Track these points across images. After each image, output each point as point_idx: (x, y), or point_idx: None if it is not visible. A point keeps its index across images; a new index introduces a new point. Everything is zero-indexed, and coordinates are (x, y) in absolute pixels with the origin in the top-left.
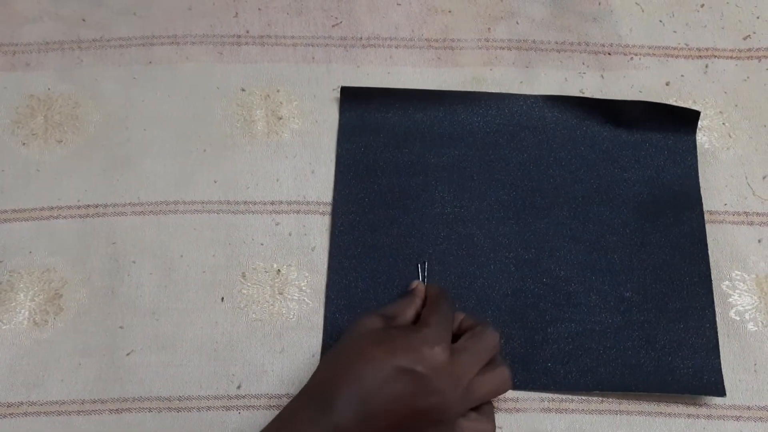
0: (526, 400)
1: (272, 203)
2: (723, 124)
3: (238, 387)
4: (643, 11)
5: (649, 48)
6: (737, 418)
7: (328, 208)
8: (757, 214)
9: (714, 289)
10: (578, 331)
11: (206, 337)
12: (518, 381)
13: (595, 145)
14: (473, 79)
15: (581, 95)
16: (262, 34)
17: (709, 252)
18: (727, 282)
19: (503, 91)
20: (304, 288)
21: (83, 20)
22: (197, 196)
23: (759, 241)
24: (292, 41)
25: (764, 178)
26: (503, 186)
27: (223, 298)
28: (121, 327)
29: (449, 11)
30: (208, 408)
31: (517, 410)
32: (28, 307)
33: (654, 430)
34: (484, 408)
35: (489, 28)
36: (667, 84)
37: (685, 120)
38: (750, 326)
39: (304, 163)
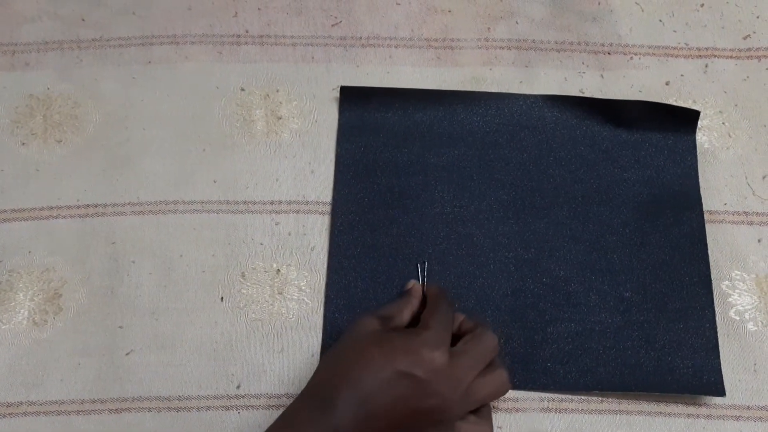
0: (526, 399)
1: (272, 203)
2: (723, 123)
3: (238, 387)
4: (642, 11)
5: (649, 48)
6: (737, 418)
7: (328, 208)
8: (757, 213)
9: (714, 288)
10: (578, 331)
11: (206, 337)
12: (518, 381)
13: (595, 144)
14: (473, 79)
15: (581, 95)
16: (261, 34)
17: (709, 252)
18: (726, 282)
19: (503, 90)
20: (303, 288)
21: (82, 20)
22: (197, 196)
23: (759, 240)
24: (292, 41)
25: (764, 177)
26: (503, 186)
27: (222, 298)
28: (120, 327)
29: (449, 11)
30: (208, 408)
31: (517, 410)
32: (27, 307)
33: (654, 430)
34: (482, 410)
35: (489, 28)
36: (667, 84)
37: (685, 120)
38: (750, 326)
39: (304, 163)
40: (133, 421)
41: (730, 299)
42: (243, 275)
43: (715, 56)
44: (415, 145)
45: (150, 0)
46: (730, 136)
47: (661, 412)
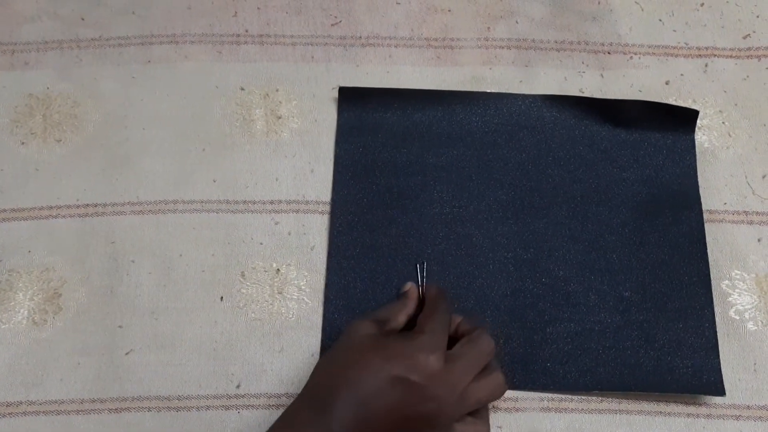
0: (526, 399)
1: (271, 202)
2: (723, 123)
3: (238, 386)
4: (642, 10)
5: (649, 47)
6: (737, 418)
7: (328, 208)
8: (757, 213)
9: (714, 288)
10: (577, 331)
11: (205, 337)
12: (518, 381)
13: (594, 144)
14: (473, 79)
15: (581, 94)
16: (261, 33)
17: (709, 251)
18: (726, 281)
19: (503, 90)
20: (303, 287)
21: (82, 19)
22: (196, 196)
23: (759, 240)
24: (291, 40)
25: (764, 177)
26: (502, 186)
27: (222, 298)
28: (120, 326)
29: (449, 10)
30: (208, 407)
31: (517, 410)
32: (27, 307)
33: (653, 430)
34: (479, 411)
35: (488, 28)
36: (667, 83)
37: (684, 119)
38: (750, 325)
39: (304, 163)
40: (133, 420)
41: (730, 299)
42: (243, 275)
43: (714, 56)
44: (414, 145)
45: None
46: (730, 135)
47: (661, 412)
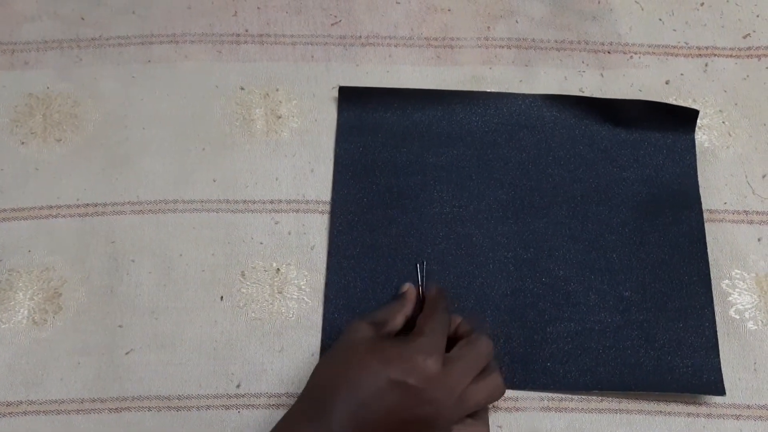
0: (526, 399)
1: (271, 202)
2: (723, 122)
3: (238, 386)
4: (642, 10)
5: (649, 47)
6: (737, 417)
7: (328, 207)
8: (757, 212)
9: (714, 287)
10: (577, 331)
11: (205, 336)
12: (518, 380)
13: (594, 144)
14: (473, 78)
15: (581, 94)
16: (261, 33)
17: (709, 251)
18: (726, 281)
19: (503, 89)
20: (303, 287)
21: (82, 19)
22: (196, 195)
23: (759, 239)
24: (291, 40)
25: (764, 176)
26: (502, 185)
27: (222, 297)
28: (120, 326)
29: (449, 10)
30: (208, 407)
31: (517, 409)
32: (27, 306)
33: (653, 429)
34: (478, 412)
35: (488, 27)
36: (667, 83)
37: (684, 119)
38: (750, 325)
39: (304, 162)
40: (133, 420)
41: (730, 298)
42: (243, 274)
43: (715, 55)
44: (414, 145)
45: None
46: (730, 135)
47: (661, 411)
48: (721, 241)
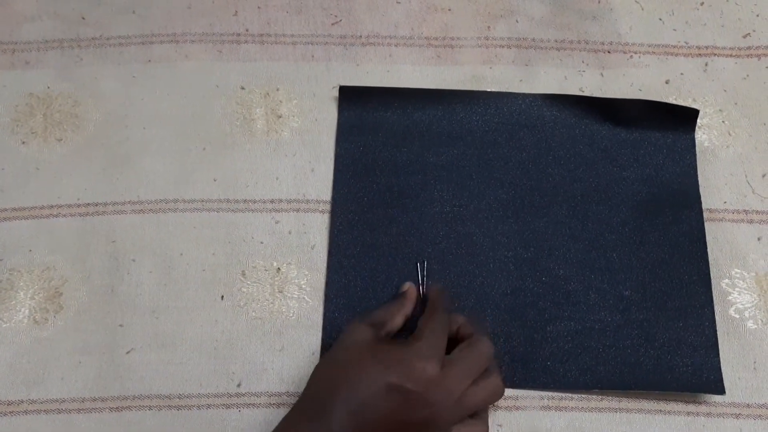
0: (526, 398)
1: (272, 201)
2: (723, 122)
3: (238, 385)
4: (642, 9)
5: (649, 46)
6: (737, 416)
7: (328, 207)
8: (757, 212)
9: (714, 287)
10: (578, 330)
11: (206, 336)
12: (518, 379)
13: (594, 143)
14: (473, 78)
15: (581, 93)
16: (261, 33)
17: (709, 250)
18: (726, 280)
19: (503, 89)
20: (303, 286)
21: (82, 18)
22: (197, 195)
23: (758, 239)
24: (292, 39)
25: (764, 176)
26: (502, 185)
27: (222, 297)
28: (121, 325)
29: (449, 9)
30: (208, 406)
31: (517, 408)
32: (28, 306)
33: (653, 428)
34: (478, 412)
35: (489, 27)
36: (667, 82)
37: (684, 118)
38: (749, 324)
39: (304, 162)
40: (134, 419)
41: (730, 297)
42: (243, 274)
43: (714, 55)
44: (414, 144)
45: None
46: (729, 134)
47: (660, 410)
48: (720, 240)
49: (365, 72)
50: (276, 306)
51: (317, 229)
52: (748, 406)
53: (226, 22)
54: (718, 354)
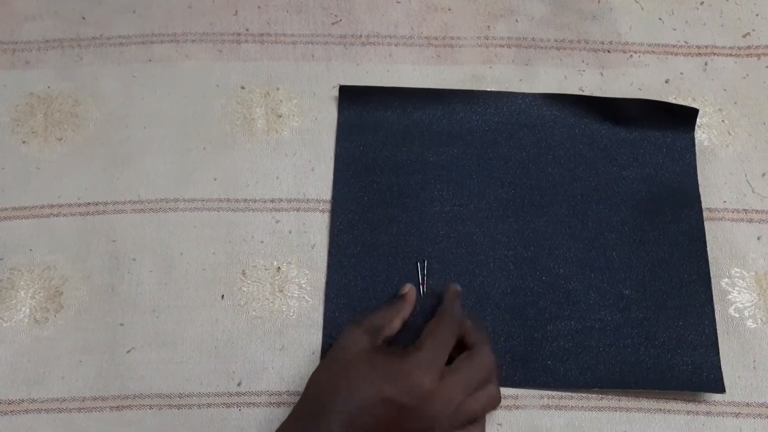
0: (526, 397)
1: (272, 201)
2: (722, 121)
3: (239, 384)
4: (642, 9)
5: (649, 46)
6: (736, 415)
7: (328, 206)
8: (756, 211)
9: (713, 286)
10: (578, 329)
11: (206, 335)
12: (518, 378)
13: (594, 143)
14: (473, 77)
15: (581, 93)
16: (261, 32)
17: (709, 249)
18: (726, 279)
19: (503, 88)
20: (304, 285)
21: (83, 18)
22: (197, 194)
23: (758, 238)
24: (292, 39)
25: (763, 175)
26: (502, 184)
27: (223, 296)
28: (121, 324)
29: (449, 9)
30: (209, 405)
31: (517, 407)
32: (28, 305)
33: (653, 427)
34: (476, 417)
35: (489, 26)
36: (667, 82)
37: (684, 118)
38: (749, 323)
39: (304, 161)
40: (134, 418)
41: (730, 296)
42: (243, 273)
43: (714, 54)
44: (415, 143)
45: None
46: (729, 133)
47: (660, 409)
48: (720, 239)
49: (365, 71)
50: (276, 305)
51: (317, 229)
52: (747, 405)
53: (227, 21)
54: (718, 353)
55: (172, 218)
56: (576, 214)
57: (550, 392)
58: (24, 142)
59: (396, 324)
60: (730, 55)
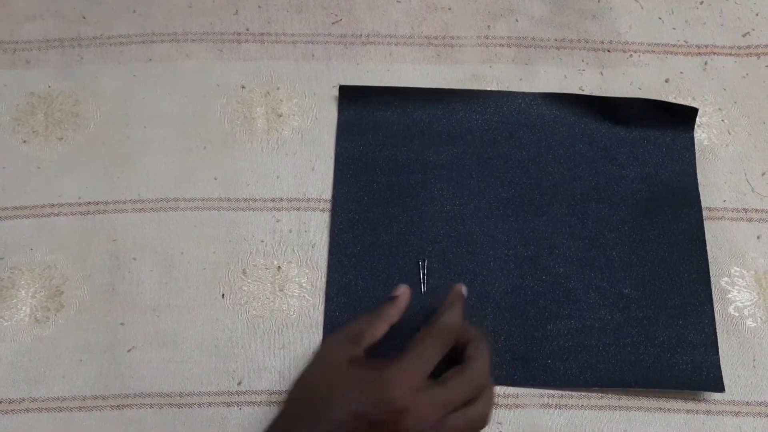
0: (526, 395)
1: (272, 200)
2: (722, 120)
3: (239, 383)
4: (642, 8)
5: (649, 45)
6: (736, 414)
7: (329, 205)
8: (756, 210)
9: (713, 285)
10: (577, 328)
11: (207, 334)
12: (518, 377)
13: (594, 142)
14: (473, 77)
15: (581, 92)
16: (262, 32)
17: (708, 248)
18: (726, 278)
19: (503, 88)
20: (304, 285)
21: (83, 18)
22: (197, 193)
23: (758, 237)
24: (292, 39)
25: (763, 174)
26: (502, 183)
27: (223, 295)
28: (122, 323)
29: (449, 8)
30: (209, 404)
31: (517, 406)
32: (29, 304)
33: (653, 426)
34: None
35: (488, 26)
36: (667, 81)
37: (684, 117)
38: (749, 322)
39: (304, 160)
40: (135, 417)
41: (730, 295)
42: (244, 272)
43: (714, 53)
44: (415, 143)
45: None
46: (729, 133)
47: (660, 408)
48: (720, 238)
49: (365, 71)
50: (276, 304)
51: (318, 228)
52: (747, 403)
53: (227, 21)
54: (718, 352)
55: (173, 217)
56: (576, 213)
57: (550, 391)
58: (25, 141)
59: (380, 330)
60: (730, 54)
